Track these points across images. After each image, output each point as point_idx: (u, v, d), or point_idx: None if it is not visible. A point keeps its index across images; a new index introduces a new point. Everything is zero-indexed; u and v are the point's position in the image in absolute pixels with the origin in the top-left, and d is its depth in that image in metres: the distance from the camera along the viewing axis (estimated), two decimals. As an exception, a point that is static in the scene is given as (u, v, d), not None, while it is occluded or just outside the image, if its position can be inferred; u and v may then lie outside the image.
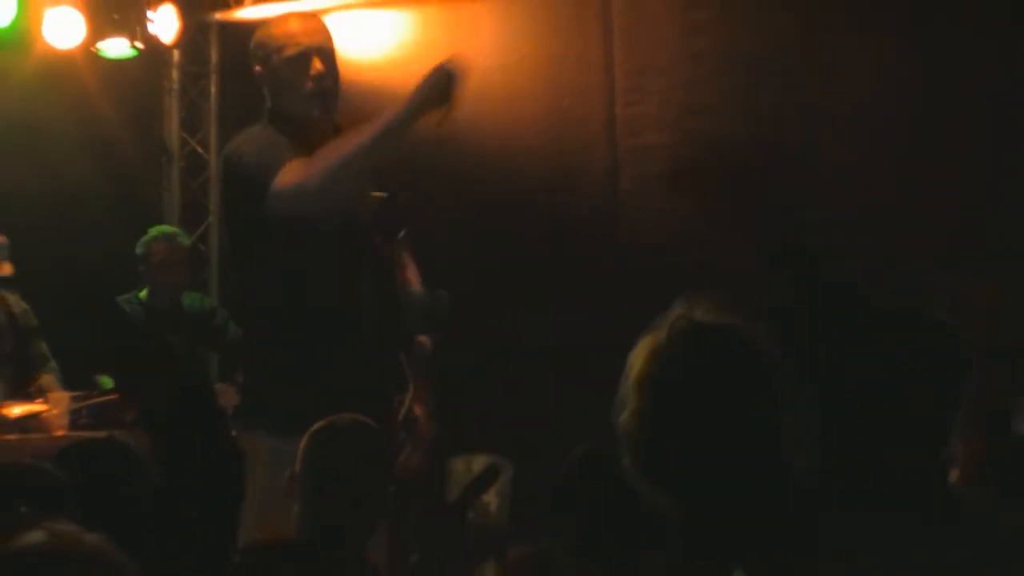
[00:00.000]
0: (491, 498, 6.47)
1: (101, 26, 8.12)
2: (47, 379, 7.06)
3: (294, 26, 5.05)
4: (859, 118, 6.90)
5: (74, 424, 6.34)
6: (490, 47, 7.93)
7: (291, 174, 4.66)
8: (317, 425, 4.10)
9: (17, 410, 6.33)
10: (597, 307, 7.41)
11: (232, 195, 4.98)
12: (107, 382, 6.99)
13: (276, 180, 4.66)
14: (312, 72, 4.90)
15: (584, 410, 6.63)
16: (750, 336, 2.53)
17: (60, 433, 6.25)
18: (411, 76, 8.00)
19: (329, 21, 8.17)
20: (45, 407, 6.37)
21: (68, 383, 7.01)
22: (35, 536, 2.36)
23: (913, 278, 5.91)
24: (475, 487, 5.45)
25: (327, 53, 5.01)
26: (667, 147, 7.49)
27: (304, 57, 4.92)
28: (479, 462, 6.32)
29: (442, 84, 4.75)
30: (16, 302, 7.28)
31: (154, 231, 7.82)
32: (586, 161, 7.72)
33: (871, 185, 6.79)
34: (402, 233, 5.17)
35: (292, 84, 4.92)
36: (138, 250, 7.69)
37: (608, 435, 2.96)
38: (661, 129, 7.52)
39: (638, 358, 2.54)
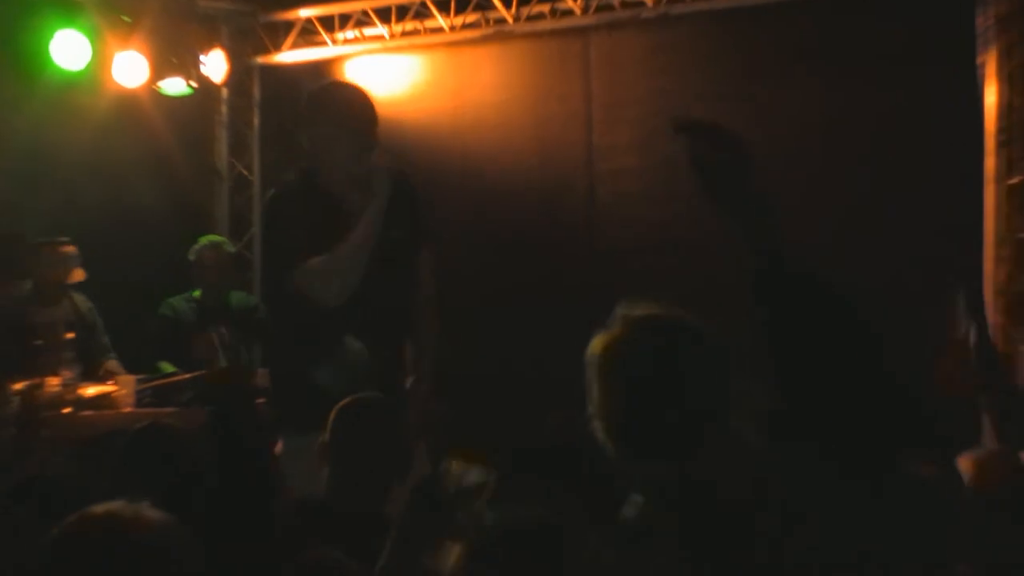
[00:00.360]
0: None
1: (162, 68, 8.07)
2: (112, 364, 7.06)
3: None
4: (790, 141, 6.93)
5: (139, 402, 6.30)
6: (488, 85, 8.07)
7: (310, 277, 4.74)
8: (343, 401, 4.05)
9: (92, 390, 6.30)
10: (575, 305, 7.33)
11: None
12: (166, 367, 6.98)
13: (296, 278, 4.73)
14: None
15: (567, 394, 6.86)
16: (681, 320, 2.65)
17: (127, 410, 6.22)
18: (423, 110, 8.27)
19: (353, 63, 8.38)
20: (115, 388, 6.33)
21: (132, 368, 6.98)
22: (111, 506, 2.38)
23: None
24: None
25: None
26: (636, 169, 7.50)
27: None
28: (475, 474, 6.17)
29: None
30: (82, 302, 7.30)
31: (204, 240, 7.78)
32: (568, 181, 7.73)
33: (799, 194, 6.80)
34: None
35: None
36: (191, 256, 7.65)
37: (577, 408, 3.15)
38: (631, 154, 7.53)
39: (595, 350, 2.67)
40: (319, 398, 4.32)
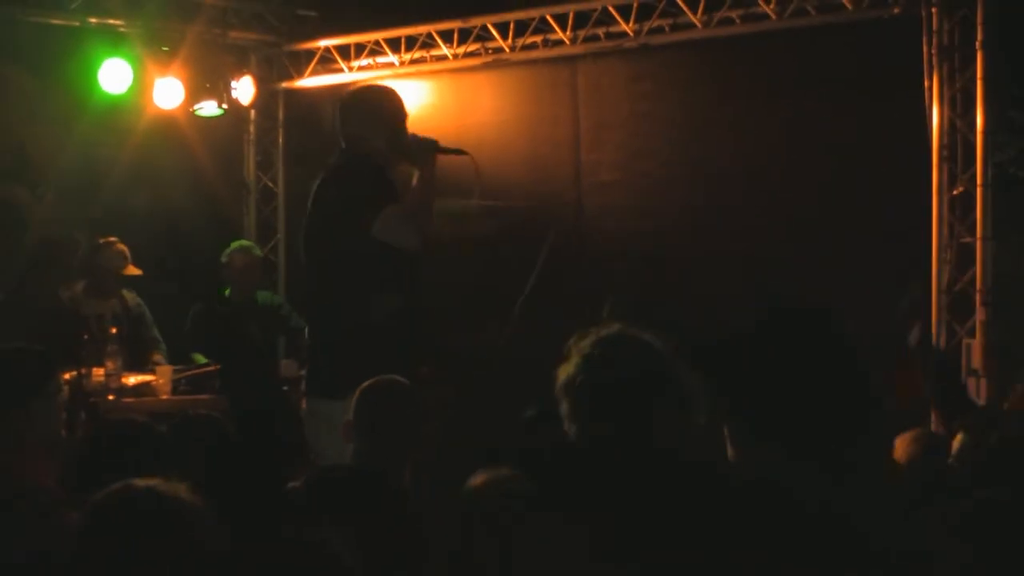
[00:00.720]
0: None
1: (196, 92, 8.11)
2: (158, 356, 7.09)
3: None
4: (757, 160, 6.95)
5: (175, 390, 6.32)
6: (488, 108, 8.06)
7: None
8: (365, 384, 4.04)
9: (133, 379, 6.33)
10: (566, 309, 7.36)
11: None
12: (200, 359, 7.01)
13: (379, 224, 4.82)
14: None
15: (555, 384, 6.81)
16: (638, 336, 2.72)
17: (165, 397, 6.24)
18: (429, 130, 8.20)
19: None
20: (153, 377, 6.36)
21: (170, 359, 7.01)
22: (152, 481, 2.35)
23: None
24: None
25: None
26: (619, 184, 7.49)
27: None
28: None
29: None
30: (132, 298, 7.31)
31: (234, 245, 7.80)
32: (558, 195, 7.70)
33: (764, 208, 6.90)
34: None
35: None
36: (223, 259, 7.67)
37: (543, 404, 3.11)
38: (615, 170, 7.51)
39: (560, 376, 2.75)
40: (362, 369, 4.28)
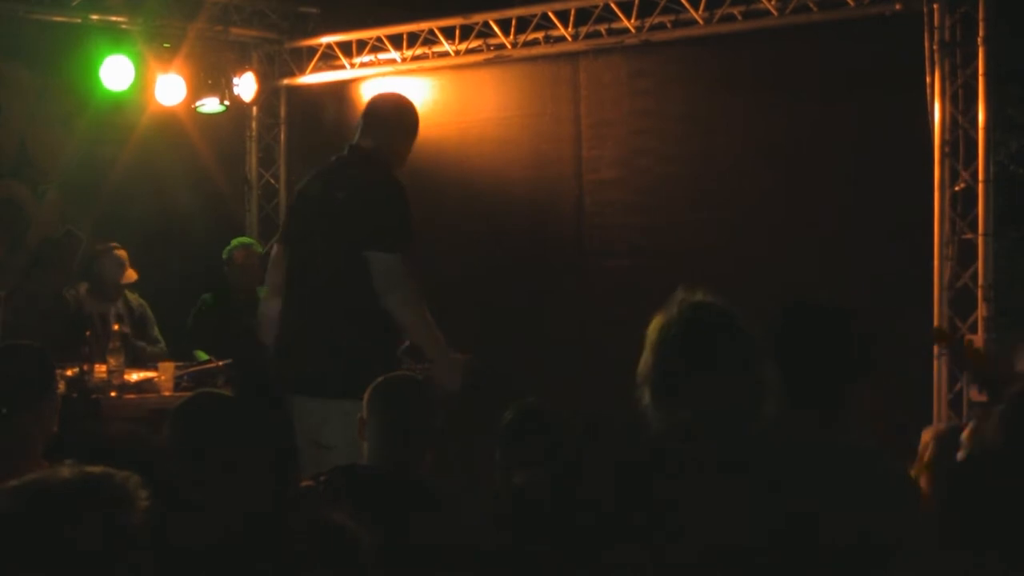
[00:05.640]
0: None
1: (198, 89, 8.14)
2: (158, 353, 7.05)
3: None
4: (759, 157, 6.94)
5: (177, 386, 6.27)
6: (490, 104, 8.04)
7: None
8: (377, 380, 4.01)
9: (136, 376, 6.32)
10: (567, 300, 7.48)
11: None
12: (202, 355, 7.01)
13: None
14: None
15: (560, 378, 6.83)
16: (730, 309, 2.71)
17: (168, 393, 6.19)
18: (431, 126, 8.26)
19: (369, 84, 8.41)
20: (156, 374, 6.33)
21: (173, 355, 6.96)
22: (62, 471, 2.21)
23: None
24: None
25: None
26: (619, 180, 7.47)
27: None
28: None
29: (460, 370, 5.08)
30: (135, 299, 7.35)
31: (236, 242, 7.80)
32: (559, 190, 7.69)
33: (770, 204, 6.89)
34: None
35: None
36: (224, 256, 7.67)
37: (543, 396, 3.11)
38: (616, 167, 7.49)
39: (652, 329, 2.72)
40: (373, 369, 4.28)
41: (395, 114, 5.32)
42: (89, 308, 7.14)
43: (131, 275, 7.29)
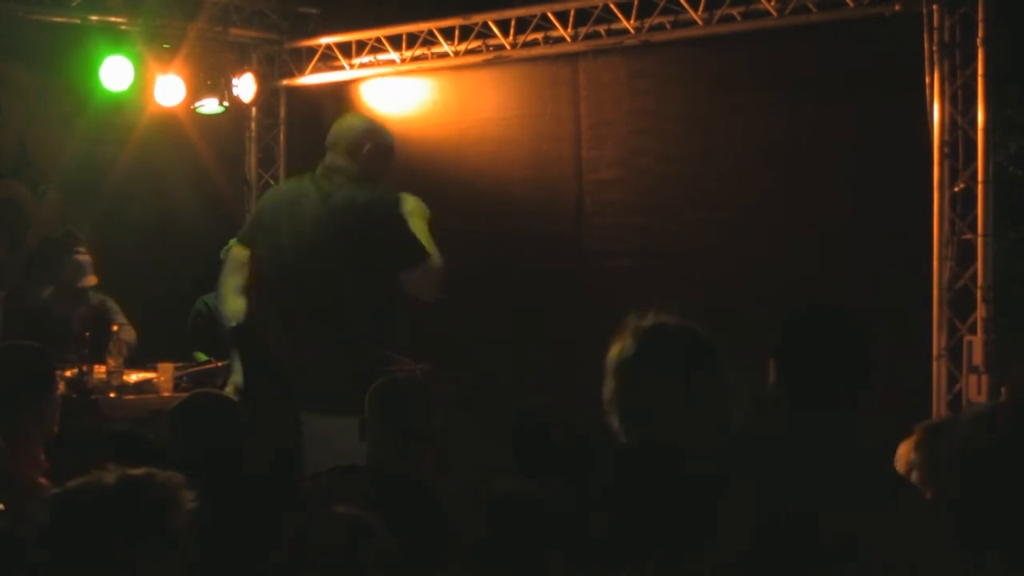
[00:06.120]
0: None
1: (197, 89, 8.14)
2: (126, 332, 6.95)
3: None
4: (759, 158, 6.92)
5: (177, 387, 6.33)
6: (489, 105, 8.03)
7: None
8: (378, 381, 4.05)
9: (135, 377, 6.34)
10: (566, 299, 7.47)
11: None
12: (201, 356, 7.01)
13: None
14: None
15: (560, 378, 6.83)
16: (689, 327, 2.76)
17: (167, 394, 6.24)
18: (431, 127, 8.28)
19: (368, 85, 8.43)
20: (155, 374, 6.36)
21: (171, 357, 6.82)
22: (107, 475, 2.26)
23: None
24: None
25: None
26: (619, 180, 7.47)
27: None
28: None
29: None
30: (96, 297, 7.31)
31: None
32: (559, 190, 7.69)
33: (762, 203, 6.89)
34: None
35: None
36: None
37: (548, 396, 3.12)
38: (615, 167, 7.49)
39: (611, 356, 2.79)
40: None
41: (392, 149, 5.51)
42: (56, 312, 7.14)
43: (92, 280, 7.29)
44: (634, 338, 2.75)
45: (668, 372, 2.71)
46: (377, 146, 5.38)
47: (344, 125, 5.50)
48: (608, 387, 2.76)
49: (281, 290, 5.32)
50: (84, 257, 7.28)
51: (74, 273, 7.24)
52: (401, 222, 5.19)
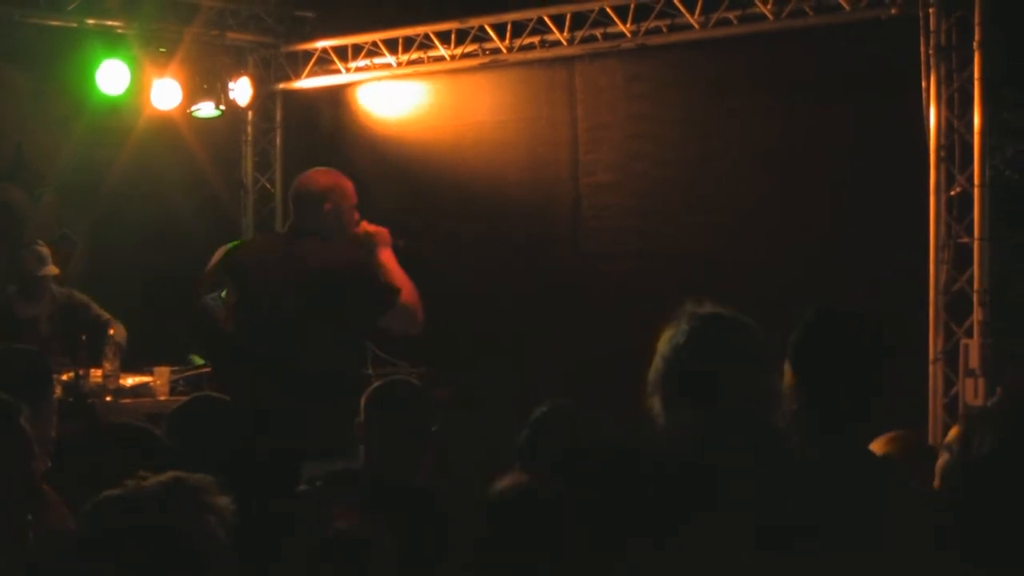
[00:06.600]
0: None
1: (194, 93, 8.13)
2: (116, 330, 6.83)
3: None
4: (754, 162, 6.95)
5: (173, 391, 6.33)
6: (486, 108, 8.04)
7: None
8: (374, 385, 4.06)
9: (131, 380, 6.35)
10: (563, 302, 7.46)
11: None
12: (197, 360, 6.89)
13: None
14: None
15: (558, 381, 6.84)
16: (741, 318, 2.75)
17: (163, 398, 6.25)
18: (427, 130, 8.29)
19: (365, 88, 8.43)
20: (151, 378, 6.36)
21: (167, 360, 6.82)
22: (162, 478, 2.29)
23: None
24: None
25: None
26: (616, 184, 7.48)
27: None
28: None
29: None
30: (59, 292, 7.27)
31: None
32: (556, 194, 7.70)
33: (759, 206, 6.91)
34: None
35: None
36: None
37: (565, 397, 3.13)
38: (612, 171, 7.49)
39: (663, 340, 2.76)
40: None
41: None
42: (20, 313, 7.11)
43: (52, 270, 7.24)
44: (688, 323, 2.72)
45: (718, 360, 2.69)
46: (336, 206, 5.34)
47: (303, 184, 5.45)
48: (655, 368, 2.73)
49: (256, 351, 5.27)
50: (43, 248, 7.24)
51: (33, 264, 7.17)
52: (366, 275, 5.18)
